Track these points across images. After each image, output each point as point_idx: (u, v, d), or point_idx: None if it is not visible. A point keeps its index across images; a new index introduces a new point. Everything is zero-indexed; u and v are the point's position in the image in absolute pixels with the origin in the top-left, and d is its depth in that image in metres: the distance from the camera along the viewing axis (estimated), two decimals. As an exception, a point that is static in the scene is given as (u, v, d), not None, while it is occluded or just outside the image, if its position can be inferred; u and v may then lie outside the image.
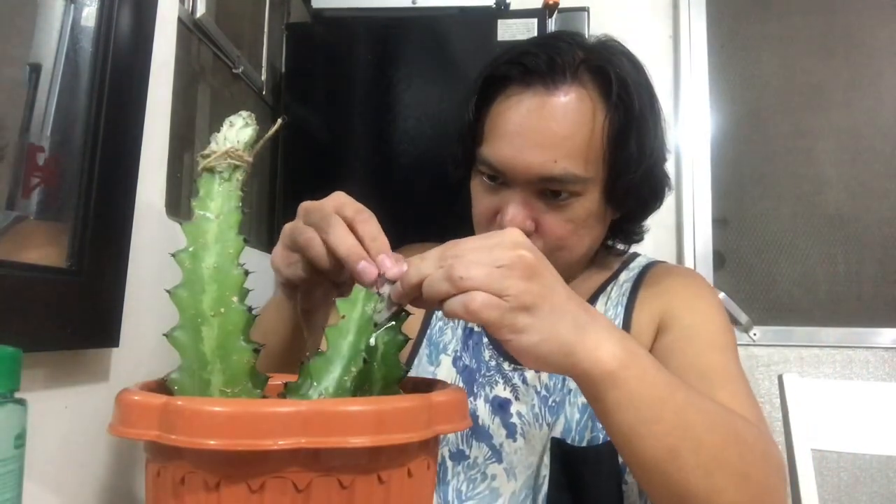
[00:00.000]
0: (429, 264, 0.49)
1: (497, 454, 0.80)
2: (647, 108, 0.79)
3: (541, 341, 0.48)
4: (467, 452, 0.81)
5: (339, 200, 0.55)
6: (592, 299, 0.86)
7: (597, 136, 0.75)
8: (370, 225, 0.54)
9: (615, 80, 0.76)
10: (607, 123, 0.75)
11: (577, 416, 0.78)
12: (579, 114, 0.75)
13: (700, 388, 0.64)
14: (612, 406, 0.51)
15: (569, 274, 0.85)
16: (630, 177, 0.77)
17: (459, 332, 0.88)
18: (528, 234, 0.75)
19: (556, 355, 0.49)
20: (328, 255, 0.53)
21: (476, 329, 0.88)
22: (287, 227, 0.57)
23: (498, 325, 0.48)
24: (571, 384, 0.80)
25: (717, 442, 0.54)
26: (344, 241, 0.52)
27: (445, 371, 0.86)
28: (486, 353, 0.85)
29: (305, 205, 0.57)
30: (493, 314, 0.47)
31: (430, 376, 0.85)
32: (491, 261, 0.48)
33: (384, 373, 0.53)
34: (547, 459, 0.78)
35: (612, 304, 0.84)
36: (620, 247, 0.91)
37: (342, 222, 0.53)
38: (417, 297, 0.50)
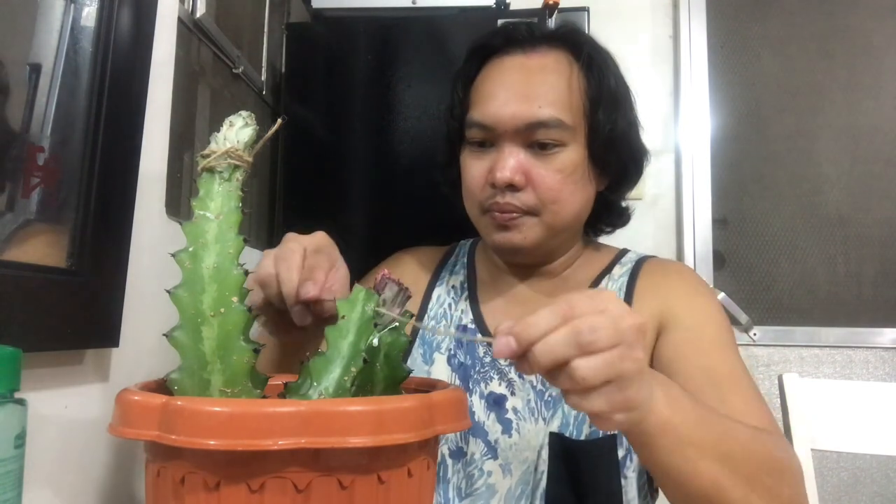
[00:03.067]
0: (557, 342, 0.46)
1: (492, 450, 0.80)
2: (615, 75, 0.85)
3: (638, 411, 0.50)
4: (465, 449, 0.81)
5: (313, 235, 0.64)
6: None
7: (575, 90, 0.81)
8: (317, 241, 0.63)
9: (585, 44, 0.84)
10: (583, 81, 0.82)
11: (574, 410, 0.79)
12: (557, 70, 0.82)
13: (713, 395, 0.69)
14: (661, 451, 0.54)
15: (565, 239, 0.87)
16: (609, 132, 0.82)
17: (452, 329, 0.89)
18: (521, 188, 0.79)
19: (633, 420, 0.51)
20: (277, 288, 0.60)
21: (469, 325, 0.88)
22: (264, 255, 0.64)
23: (611, 410, 0.48)
24: None
25: (752, 466, 0.58)
26: (287, 274, 0.59)
27: (441, 369, 0.86)
28: (481, 349, 0.85)
29: (287, 236, 0.65)
30: (602, 406, 0.47)
31: (425, 375, 0.86)
32: (619, 338, 0.46)
33: (387, 373, 0.53)
34: (545, 454, 0.78)
35: None
36: (608, 229, 0.94)
37: (299, 255, 0.60)
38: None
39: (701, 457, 0.55)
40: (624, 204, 0.92)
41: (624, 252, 0.93)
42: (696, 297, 0.83)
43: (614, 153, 0.84)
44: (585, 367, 0.45)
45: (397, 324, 0.53)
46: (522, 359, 0.47)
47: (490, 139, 0.81)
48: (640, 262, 0.89)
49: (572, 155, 0.80)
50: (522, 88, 0.80)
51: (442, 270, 0.96)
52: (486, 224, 0.83)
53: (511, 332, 0.46)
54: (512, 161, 0.79)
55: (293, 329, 0.63)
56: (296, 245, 0.61)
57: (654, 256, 0.92)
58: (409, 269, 0.96)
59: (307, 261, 0.61)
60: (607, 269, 0.89)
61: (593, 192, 0.86)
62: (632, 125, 0.86)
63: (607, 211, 0.91)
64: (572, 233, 0.88)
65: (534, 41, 0.84)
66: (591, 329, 0.45)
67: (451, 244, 1.02)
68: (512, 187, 0.79)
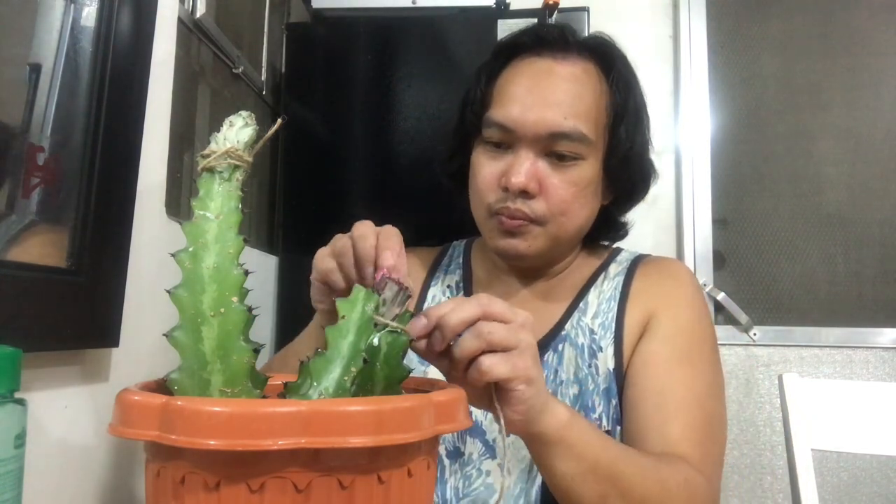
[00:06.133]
0: (465, 309, 0.56)
1: (491, 450, 0.80)
2: (640, 94, 0.86)
3: (536, 394, 0.57)
4: (462, 449, 0.81)
5: (376, 227, 0.64)
6: (585, 290, 0.88)
7: (601, 104, 0.81)
8: (389, 233, 0.63)
9: (617, 59, 0.84)
10: (609, 96, 0.81)
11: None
12: (586, 81, 0.81)
13: (656, 418, 0.74)
14: (555, 458, 0.61)
15: (566, 249, 0.87)
16: (628, 150, 0.82)
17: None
18: (533, 195, 0.78)
19: (536, 411, 0.58)
20: (352, 259, 0.63)
21: None
22: (337, 235, 0.67)
23: (514, 375, 0.55)
24: (563, 376, 0.82)
25: (641, 491, 0.63)
26: (366, 244, 0.61)
27: (437, 372, 0.86)
28: None
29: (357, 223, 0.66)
30: (505, 367, 0.55)
31: (422, 376, 0.86)
32: (511, 314, 0.56)
33: (387, 373, 0.53)
34: None
35: (604, 298, 0.86)
36: (605, 243, 0.94)
37: (373, 233, 0.62)
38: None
39: (591, 471, 0.61)
40: (623, 219, 0.92)
41: (618, 251, 0.93)
42: (682, 304, 0.84)
43: (628, 171, 0.84)
44: (488, 326, 0.54)
45: (397, 324, 0.53)
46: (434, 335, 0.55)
47: (508, 141, 0.80)
48: (637, 261, 0.90)
49: (588, 169, 0.80)
50: (549, 95, 0.78)
51: (436, 271, 0.96)
52: (492, 227, 0.82)
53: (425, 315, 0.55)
54: (528, 167, 0.78)
55: None
56: (370, 227, 0.64)
57: (649, 255, 0.92)
58: None
59: (382, 239, 0.62)
60: (602, 268, 0.90)
61: (599, 207, 0.86)
62: (646, 144, 0.86)
63: (607, 225, 0.90)
64: (574, 243, 0.88)
65: (565, 47, 0.82)
66: (487, 299, 0.56)
67: (443, 245, 1.02)
68: (524, 194, 0.78)
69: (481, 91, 0.85)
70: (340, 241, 0.65)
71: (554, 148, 0.78)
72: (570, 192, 0.79)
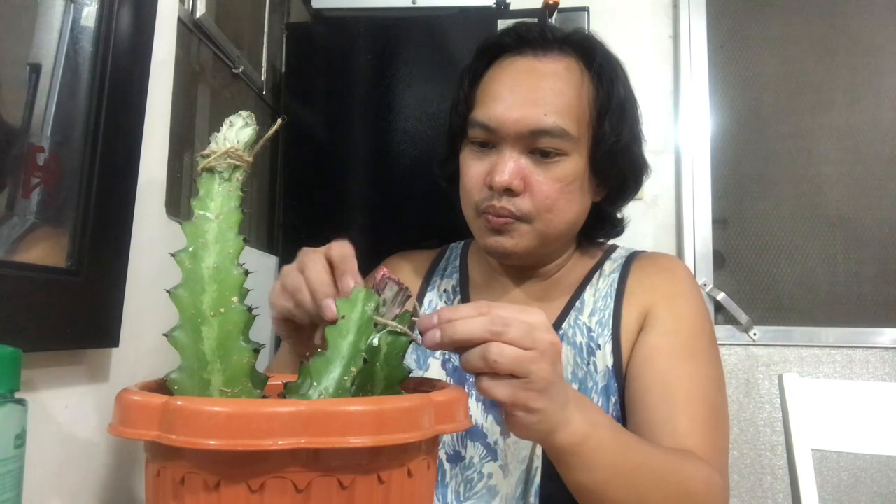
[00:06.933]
0: (473, 322, 0.53)
1: (492, 452, 0.80)
2: (624, 86, 0.85)
3: (541, 420, 0.56)
4: (463, 453, 0.81)
5: (331, 245, 0.62)
6: (581, 288, 0.88)
7: (583, 100, 0.81)
8: (342, 248, 0.60)
9: (598, 53, 0.84)
10: (592, 90, 0.81)
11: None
12: (567, 77, 0.81)
13: (663, 411, 0.74)
14: (572, 469, 0.60)
15: (558, 246, 0.87)
16: (613, 144, 0.81)
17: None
18: (518, 193, 0.78)
19: (544, 431, 0.57)
20: (309, 295, 0.60)
21: None
22: (284, 268, 0.64)
23: (512, 402, 0.54)
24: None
25: (661, 497, 0.64)
26: (317, 276, 0.59)
27: (435, 374, 0.86)
28: None
29: (303, 249, 0.64)
30: (503, 393, 0.53)
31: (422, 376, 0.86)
32: (530, 342, 0.53)
33: (387, 373, 0.53)
34: (539, 450, 0.79)
35: (600, 296, 0.86)
36: (601, 240, 0.94)
37: (322, 260, 0.60)
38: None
39: (609, 481, 0.61)
40: (619, 215, 0.92)
41: (613, 248, 0.93)
42: (679, 298, 0.84)
43: (616, 166, 0.83)
44: (497, 351, 0.52)
45: (397, 324, 0.53)
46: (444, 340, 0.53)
47: (492, 141, 0.81)
48: (632, 258, 0.90)
49: (573, 165, 0.80)
50: (530, 93, 0.79)
51: (433, 275, 0.96)
52: (480, 226, 0.83)
53: (437, 314, 0.54)
54: (511, 165, 0.78)
55: (311, 342, 0.64)
56: (318, 254, 0.61)
57: (643, 251, 0.92)
58: (401, 274, 0.96)
59: (338, 265, 0.60)
60: (597, 266, 0.90)
61: (589, 203, 0.86)
62: (635, 138, 0.86)
63: (602, 221, 0.90)
64: (565, 241, 0.88)
65: (546, 44, 0.82)
66: (504, 322, 0.52)
67: (441, 247, 1.02)
68: (509, 192, 0.78)
69: (465, 93, 0.85)
70: (290, 275, 0.62)
71: (537, 145, 0.78)
72: (554, 189, 0.79)
